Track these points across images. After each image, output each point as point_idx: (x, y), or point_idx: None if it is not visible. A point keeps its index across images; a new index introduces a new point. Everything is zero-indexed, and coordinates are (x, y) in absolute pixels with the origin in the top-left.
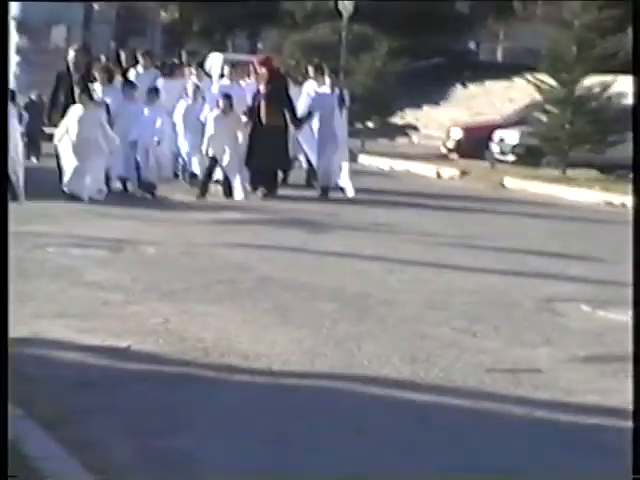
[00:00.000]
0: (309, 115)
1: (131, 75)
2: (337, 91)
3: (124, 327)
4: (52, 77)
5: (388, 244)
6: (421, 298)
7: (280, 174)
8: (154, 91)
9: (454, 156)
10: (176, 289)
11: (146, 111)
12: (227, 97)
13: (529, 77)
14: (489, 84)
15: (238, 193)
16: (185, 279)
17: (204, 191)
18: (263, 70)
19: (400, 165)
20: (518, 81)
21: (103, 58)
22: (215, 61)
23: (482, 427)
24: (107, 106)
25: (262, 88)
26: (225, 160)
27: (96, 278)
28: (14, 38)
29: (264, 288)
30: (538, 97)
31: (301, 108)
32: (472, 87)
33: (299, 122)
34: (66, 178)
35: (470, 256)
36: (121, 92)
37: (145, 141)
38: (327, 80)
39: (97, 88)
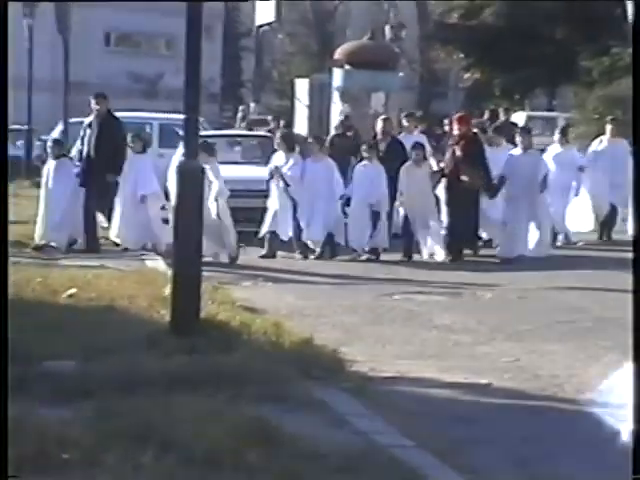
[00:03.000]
0: (502, 181)
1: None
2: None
3: (479, 366)
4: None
5: None
6: None
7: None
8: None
9: None
10: (519, 330)
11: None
12: (420, 146)
13: None
14: None
15: (438, 252)
16: (526, 320)
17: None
18: (460, 129)
19: None
20: None
21: (404, 122)
22: (519, 119)
23: None
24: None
25: (457, 149)
26: (416, 215)
27: (444, 321)
28: (339, 106)
29: (601, 327)
30: None
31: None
32: None
33: (494, 190)
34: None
35: None
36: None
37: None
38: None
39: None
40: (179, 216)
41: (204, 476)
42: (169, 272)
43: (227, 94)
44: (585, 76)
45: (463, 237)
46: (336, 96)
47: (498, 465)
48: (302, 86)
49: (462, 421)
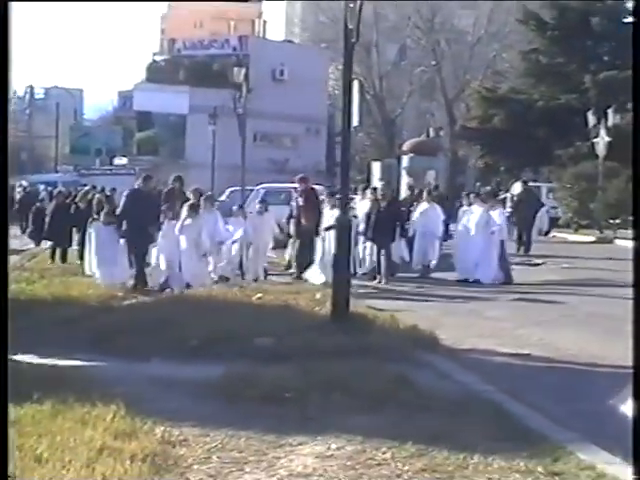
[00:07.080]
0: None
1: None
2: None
3: (518, 343)
4: None
5: None
6: None
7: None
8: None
9: None
10: (540, 320)
11: None
12: (262, 202)
13: None
14: None
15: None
16: (543, 314)
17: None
18: (302, 187)
19: None
20: None
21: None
22: (517, 188)
23: None
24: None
25: (300, 200)
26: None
27: (492, 314)
28: (405, 179)
29: (590, 319)
30: None
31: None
32: None
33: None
34: None
35: None
36: None
37: None
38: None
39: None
40: (338, 248)
41: (372, 407)
42: (318, 285)
43: (329, 171)
44: (557, 160)
45: (305, 260)
46: (404, 173)
47: (543, 401)
48: (376, 167)
49: (516, 376)
